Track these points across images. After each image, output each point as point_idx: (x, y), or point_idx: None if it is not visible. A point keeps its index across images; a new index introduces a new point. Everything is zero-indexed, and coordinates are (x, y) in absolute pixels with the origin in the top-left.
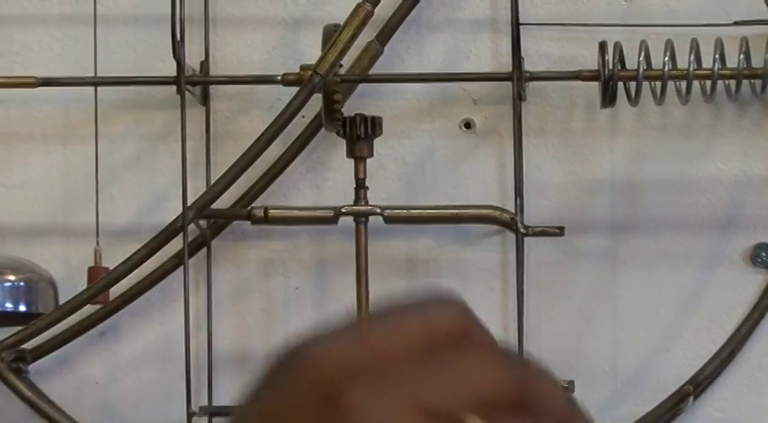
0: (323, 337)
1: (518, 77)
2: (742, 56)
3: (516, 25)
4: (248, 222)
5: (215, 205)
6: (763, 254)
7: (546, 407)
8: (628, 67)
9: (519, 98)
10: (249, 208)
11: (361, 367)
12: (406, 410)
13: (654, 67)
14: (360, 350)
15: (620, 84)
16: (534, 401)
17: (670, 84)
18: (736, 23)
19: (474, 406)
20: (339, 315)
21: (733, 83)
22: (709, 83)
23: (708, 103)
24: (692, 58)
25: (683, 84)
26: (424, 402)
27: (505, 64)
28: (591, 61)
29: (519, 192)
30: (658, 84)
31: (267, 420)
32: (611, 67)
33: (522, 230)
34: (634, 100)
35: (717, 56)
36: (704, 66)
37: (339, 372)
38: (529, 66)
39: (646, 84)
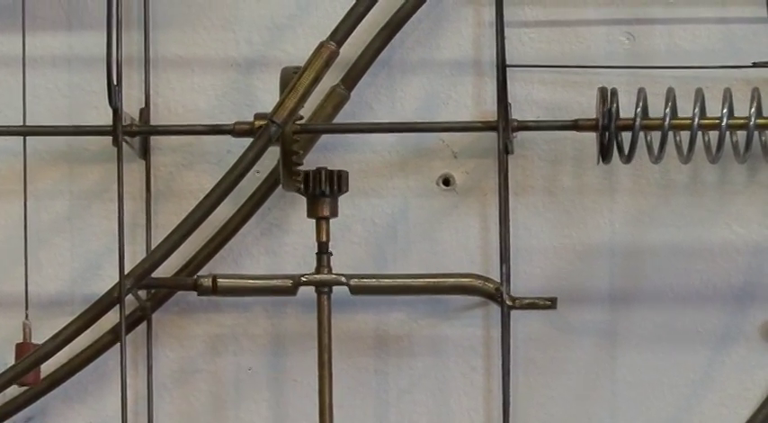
0: None
1: (504, 127)
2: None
3: (502, 67)
4: (194, 293)
5: (156, 273)
6: None
7: None
8: (632, 115)
9: (505, 151)
10: (195, 277)
11: None
12: None
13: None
14: None
15: (622, 136)
16: None
17: (675, 137)
18: (754, 65)
19: None
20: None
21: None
22: (715, 137)
23: (712, 162)
24: (697, 110)
25: (688, 137)
26: None
27: (490, 111)
28: (588, 109)
29: (505, 258)
30: (673, 136)
31: None
32: (615, 115)
33: (508, 302)
34: (627, 156)
35: (726, 107)
36: (711, 114)
37: None
38: (516, 113)
39: (653, 136)
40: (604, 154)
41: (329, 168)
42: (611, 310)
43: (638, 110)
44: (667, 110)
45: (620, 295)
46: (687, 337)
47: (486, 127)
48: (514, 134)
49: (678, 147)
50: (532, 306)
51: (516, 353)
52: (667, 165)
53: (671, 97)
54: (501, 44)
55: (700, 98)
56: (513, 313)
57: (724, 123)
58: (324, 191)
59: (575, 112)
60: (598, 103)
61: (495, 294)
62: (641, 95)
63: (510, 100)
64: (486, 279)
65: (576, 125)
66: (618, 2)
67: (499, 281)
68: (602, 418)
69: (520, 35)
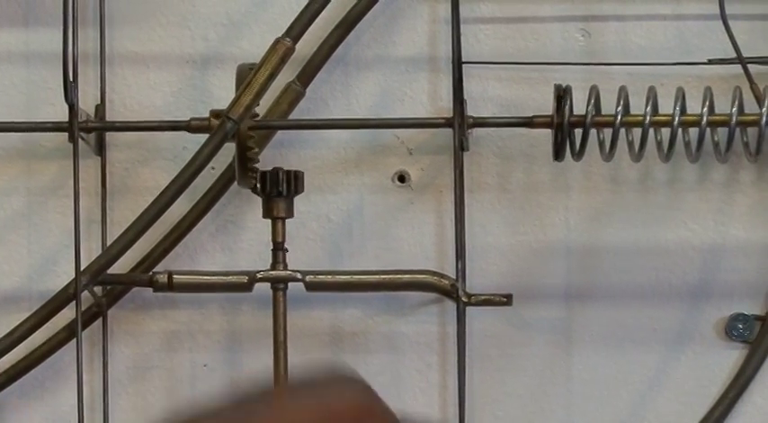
0: (207, 419)
1: (460, 124)
2: (707, 103)
3: (458, 64)
4: (150, 289)
5: (112, 270)
6: (740, 326)
7: None
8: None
9: (461, 147)
10: (151, 273)
11: None
12: None
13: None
14: None
15: (576, 132)
16: None
17: (627, 135)
18: (710, 62)
19: None
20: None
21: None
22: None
23: (664, 161)
24: (649, 108)
25: (651, 133)
26: None
27: (445, 108)
28: (544, 105)
29: (460, 255)
30: (634, 133)
31: None
32: (567, 113)
33: (463, 299)
34: (577, 153)
35: (678, 105)
36: (667, 111)
37: None
38: (472, 110)
39: (606, 133)
40: (558, 151)
41: (285, 168)
42: (567, 308)
43: (590, 107)
44: (619, 108)
45: (576, 292)
46: (643, 334)
47: (441, 123)
48: (470, 131)
49: (630, 144)
50: (488, 303)
51: (472, 349)
52: (621, 162)
53: (623, 95)
54: (457, 41)
55: (652, 96)
56: (469, 310)
57: (676, 121)
58: (280, 191)
59: (530, 108)
60: (554, 100)
61: (451, 291)
62: (593, 93)
63: (465, 97)
64: (442, 276)
65: (531, 122)
66: None
67: (455, 277)
68: (558, 416)
69: (475, 32)
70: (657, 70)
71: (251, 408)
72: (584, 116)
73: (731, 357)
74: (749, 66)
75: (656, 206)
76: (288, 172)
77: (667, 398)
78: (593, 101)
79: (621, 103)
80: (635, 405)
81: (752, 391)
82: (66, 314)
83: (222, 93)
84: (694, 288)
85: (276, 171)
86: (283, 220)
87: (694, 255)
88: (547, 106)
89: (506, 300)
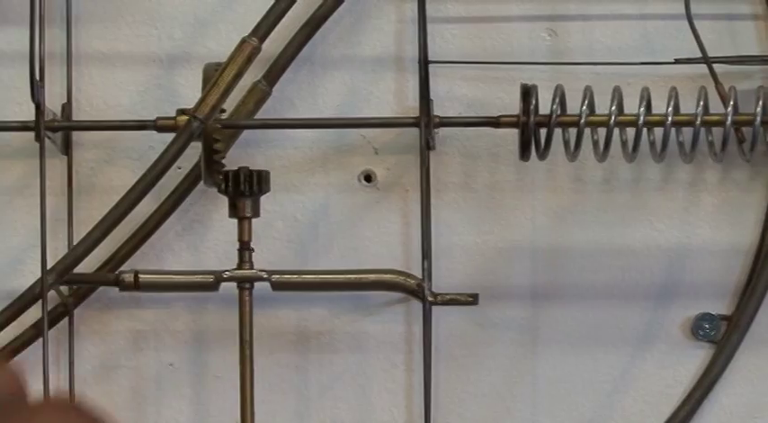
0: None
1: (426, 123)
2: (671, 104)
3: (424, 63)
4: (116, 288)
5: (78, 269)
6: (706, 326)
7: None
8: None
9: (427, 147)
10: (117, 272)
11: None
12: None
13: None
14: None
15: (542, 132)
16: None
17: (592, 135)
18: (677, 62)
19: None
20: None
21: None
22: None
23: (629, 161)
24: (614, 107)
25: (620, 133)
26: None
27: (412, 107)
28: (510, 105)
29: (426, 254)
30: (599, 133)
31: None
32: (533, 112)
33: (429, 298)
34: (542, 153)
35: (643, 105)
36: (632, 111)
37: None
38: (438, 110)
39: (572, 133)
40: (524, 151)
41: (251, 167)
42: (533, 307)
43: (555, 106)
44: (584, 107)
45: (542, 292)
46: (609, 334)
47: (408, 123)
48: (436, 130)
49: (595, 144)
50: (454, 302)
51: (437, 349)
52: (587, 162)
53: (588, 95)
54: (423, 40)
55: (617, 95)
56: (435, 309)
57: (641, 121)
58: (245, 191)
59: (497, 108)
60: (520, 99)
61: (417, 290)
62: (558, 92)
63: (432, 96)
64: (408, 275)
65: (497, 122)
66: None
67: (421, 277)
68: (524, 415)
69: (442, 31)
70: (624, 70)
71: None
72: (549, 116)
73: (697, 357)
74: (715, 65)
75: (621, 206)
76: (254, 171)
77: (633, 398)
78: (557, 100)
79: (586, 102)
80: (601, 405)
81: (718, 392)
82: (33, 313)
83: (189, 92)
84: (660, 288)
85: (242, 170)
86: (249, 219)
87: (660, 254)
88: (513, 106)
89: (472, 299)
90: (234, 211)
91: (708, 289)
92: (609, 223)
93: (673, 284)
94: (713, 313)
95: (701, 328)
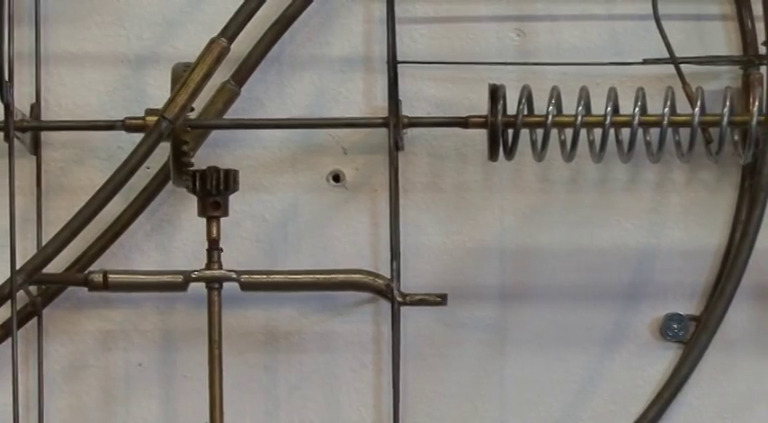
0: None
1: (395, 123)
2: (638, 105)
3: (393, 63)
4: (85, 289)
5: (47, 269)
6: (675, 326)
7: None
8: (527, 112)
9: (396, 147)
10: (86, 272)
11: None
12: None
13: (555, 112)
14: None
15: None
16: None
17: (560, 135)
18: (645, 62)
19: None
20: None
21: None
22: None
23: (596, 162)
24: (581, 108)
25: (591, 134)
26: None
27: (380, 108)
28: (479, 105)
29: (395, 254)
30: (566, 133)
31: None
32: (501, 112)
33: (398, 299)
34: (509, 153)
35: (610, 105)
36: (601, 112)
37: None
38: (407, 110)
39: (539, 134)
40: (492, 151)
41: (219, 167)
42: (501, 307)
43: (521, 107)
44: (551, 108)
45: (510, 292)
46: (577, 334)
47: (376, 123)
48: (405, 130)
49: (563, 144)
50: (422, 302)
51: (406, 349)
52: (555, 162)
53: (554, 95)
54: (392, 40)
55: (584, 95)
56: (404, 310)
57: (607, 121)
58: (213, 190)
59: (465, 108)
60: (488, 100)
61: (386, 290)
62: (524, 93)
63: (400, 96)
64: (377, 275)
65: (466, 122)
66: None
67: (389, 277)
68: (492, 414)
69: (410, 32)
70: (593, 70)
71: None
72: (515, 116)
73: (666, 357)
74: (685, 65)
75: (589, 206)
76: (222, 170)
77: (602, 397)
78: (524, 101)
79: (553, 102)
80: (569, 405)
81: (686, 392)
82: (2, 313)
83: (157, 92)
84: (629, 288)
85: (211, 170)
86: (218, 218)
87: (629, 254)
88: (482, 106)
89: (441, 299)
90: (203, 210)
91: (676, 289)
92: (577, 223)
93: (641, 285)
94: (682, 313)
95: (669, 328)
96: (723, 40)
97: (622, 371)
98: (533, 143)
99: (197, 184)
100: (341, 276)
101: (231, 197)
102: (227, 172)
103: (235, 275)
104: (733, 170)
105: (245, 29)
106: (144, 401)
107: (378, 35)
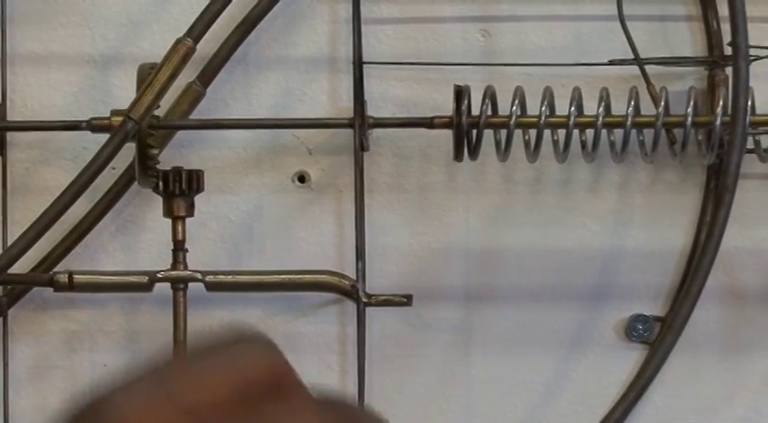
0: (124, 391)
1: (360, 124)
2: (602, 105)
3: (359, 64)
4: (50, 289)
5: (12, 270)
6: (640, 327)
7: None
8: (491, 112)
9: (361, 148)
10: (51, 273)
11: None
12: None
13: (519, 113)
14: (167, 406)
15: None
16: None
17: (524, 136)
18: (611, 63)
19: None
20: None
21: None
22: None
23: (560, 162)
24: (545, 108)
25: (559, 134)
26: None
27: (345, 108)
28: (444, 105)
29: (360, 255)
30: (531, 134)
31: None
32: (466, 113)
33: (363, 299)
34: (473, 153)
35: (574, 105)
36: (564, 111)
37: None
38: (372, 111)
39: (503, 134)
40: (457, 151)
41: (185, 167)
42: (467, 308)
43: (485, 107)
44: (514, 108)
45: (476, 293)
46: (543, 335)
47: (341, 123)
48: (370, 131)
49: (526, 145)
50: (388, 303)
51: (371, 350)
52: (520, 163)
53: (518, 95)
54: (357, 41)
55: (548, 96)
56: (369, 310)
57: (571, 122)
58: (178, 190)
59: (430, 109)
60: (454, 100)
61: (351, 291)
62: (488, 93)
63: (366, 97)
64: (342, 276)
65: (431, 123)
66: None
67: (355, 278)
68: (457, 416)
69: (376, 32)
70: (558, 70)
71: (163, 377)
72: (479, 117)
73: (631, 358)
74: (649, 66)
75: (553, 207)
76: (188, 171)
77: (567, 399)
78: (487, 101)
79: (517, 103)
80: (534, 406)
81: (651, 393)
82: None
83: (123, 93)
84: (594, 289)
85: (176, 170)
86: (183, 219)
87: (594, 255)
88: (447, 106)
89: (406, 300)
90: (168, 211)
91: (641, 290)
92: (542, 224)
93: (606, 286)
94: (647, 314)
95: (634, 329)
96: (688, 40)
97: (587, 372)
98: (497, 143)
99: (162, 184)
100: (307, 277)
101: (196, 198)
102: (193, 172)
103: (200, 276)
104: (698, 170)
105: (210, 29)
106: None
107: (343, 36)
